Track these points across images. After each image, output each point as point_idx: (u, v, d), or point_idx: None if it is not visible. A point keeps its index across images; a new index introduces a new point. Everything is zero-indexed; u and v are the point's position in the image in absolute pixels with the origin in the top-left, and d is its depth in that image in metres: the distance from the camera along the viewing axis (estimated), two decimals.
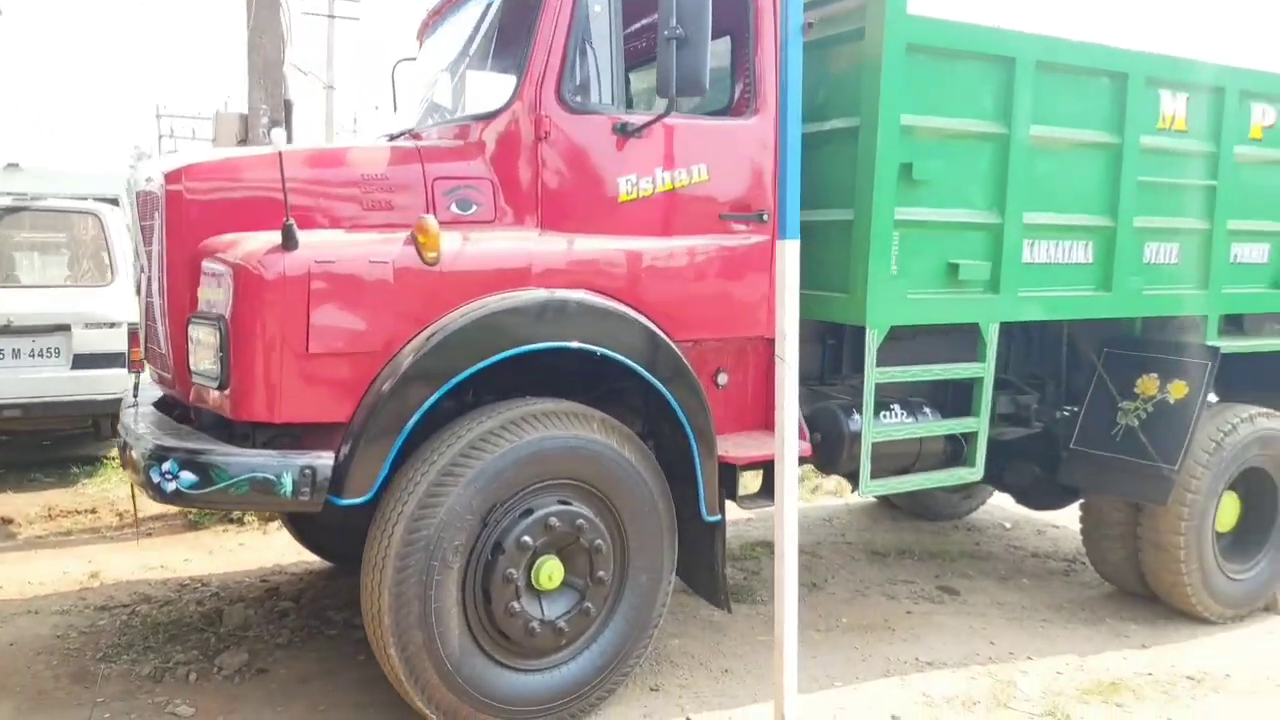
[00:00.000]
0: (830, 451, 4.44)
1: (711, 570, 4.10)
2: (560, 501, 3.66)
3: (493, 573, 3.53)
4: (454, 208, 3.75)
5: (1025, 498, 6.12)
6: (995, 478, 5.61)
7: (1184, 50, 5.41)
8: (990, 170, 4.47)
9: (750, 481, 4.31)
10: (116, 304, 7.31)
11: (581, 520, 3.69)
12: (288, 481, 3.29)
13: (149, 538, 6.20)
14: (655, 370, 3.80)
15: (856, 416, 4.40)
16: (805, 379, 4.38)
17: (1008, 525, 7.07)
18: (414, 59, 5.00)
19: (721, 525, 4.06)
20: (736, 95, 4.28)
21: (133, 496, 4.77)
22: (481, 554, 3.54)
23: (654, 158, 3.91)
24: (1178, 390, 4.97)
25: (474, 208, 3.78)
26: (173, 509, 6.20)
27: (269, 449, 3.40)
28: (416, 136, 4.30)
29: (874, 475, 4.44)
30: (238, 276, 3.28)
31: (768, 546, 5.99)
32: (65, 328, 7.20)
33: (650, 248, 3.90)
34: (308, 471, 3.31)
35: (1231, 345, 5.25)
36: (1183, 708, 4.20)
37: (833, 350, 4.88)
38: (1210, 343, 5.13)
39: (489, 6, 4.15)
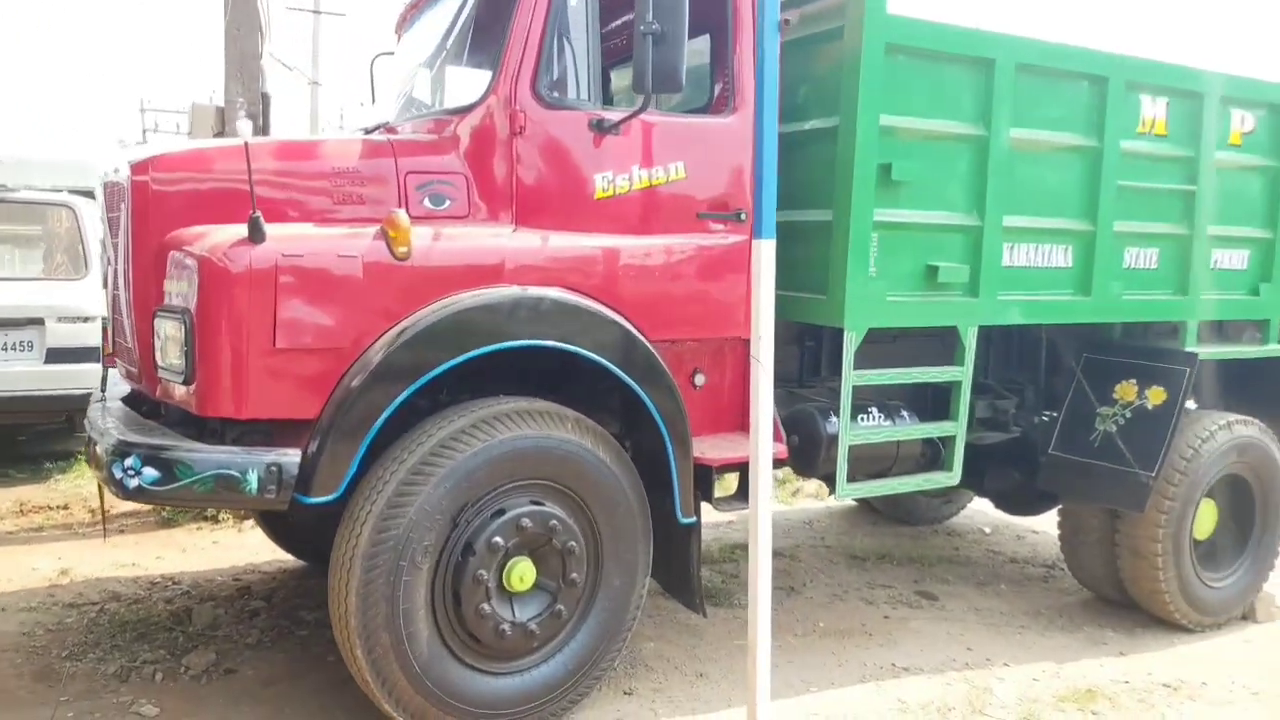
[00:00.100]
0: (807, 454, 4.42)
1: (687, 573, 4.06)
2: (533, 502, 3.62)
3: (463, 574, 3.49)
4: (427, 202, 3.70)
5: (1004, 503, 6.12)
6: (975, 483, 5.60)
7: (1165, 55, 5.38)
8: (970, 172, 4.45)
9: (727, 483, 4.26)
10: (91, 297, 7.20)
11: (554, 521, 3.64)
12: (253, 479, 3.24)
13: (121, 535, 6.13)
14: (630, 370, 3.75)
15: (834, 419, 4.38)
16: (783, 381, 4.35)
17: (987, 530, 7.06)
18: (392, 53, 4.95)
19: (697, 528, 4.02)
20: (716, 93, 4.24)
21: (100, 493, 4.71)
22: (452, 555, 3.49)
23: (631, 155, 3.87)
24: (1156, 396, 4.96)
25: (447, 203, 3.73)
26: (146, 506, 6.13)
27: (237, 445, 3.34)
28: (392, 130, 4.25)
29: (851, 478, 4.43)
30: (203, 269, 3.23)
31: (747, 549, 5.95)
32: (39, 321, 7.13)
33: (626, 246, 3.86)
34: (274, 469, 3.25)
35: (1210, 352, 5.25)
36: (1159, 715, 4.19)
37: (811, 352, 4.86)
38: (1189, 349, 5.12)
39: (465, 0, 4.11)
